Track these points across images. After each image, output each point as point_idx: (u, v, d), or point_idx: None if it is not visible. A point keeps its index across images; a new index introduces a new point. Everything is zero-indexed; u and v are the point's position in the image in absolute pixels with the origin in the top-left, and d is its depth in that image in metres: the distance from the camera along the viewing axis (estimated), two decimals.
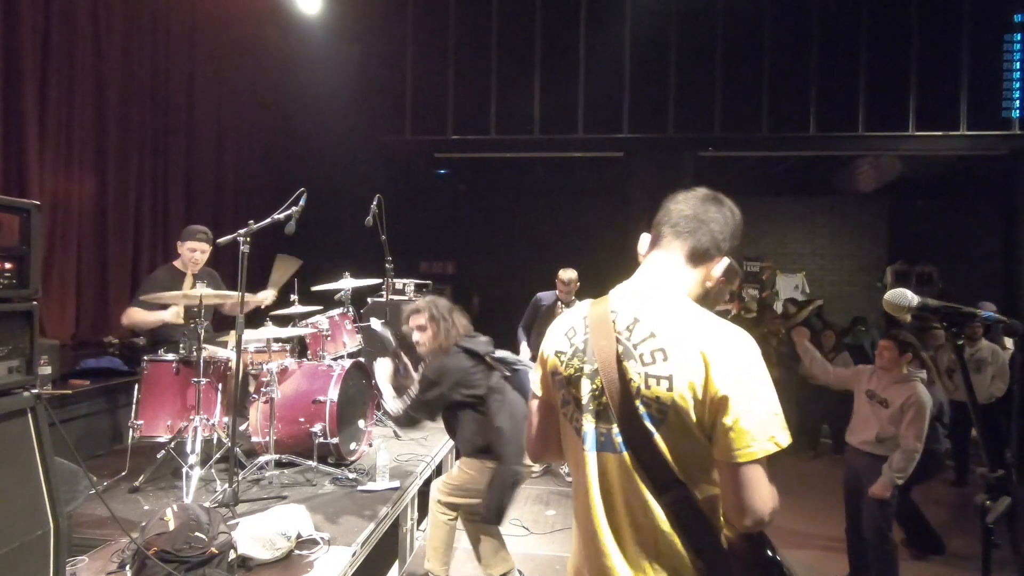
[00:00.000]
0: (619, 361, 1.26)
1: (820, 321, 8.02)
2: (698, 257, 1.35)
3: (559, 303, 5.76)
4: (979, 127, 7.41)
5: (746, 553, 1.25)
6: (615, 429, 1.27)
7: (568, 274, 5.78)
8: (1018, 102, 7.30)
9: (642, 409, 1.22)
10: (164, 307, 4.13)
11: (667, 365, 1.21)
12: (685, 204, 1.38)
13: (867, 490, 3.65)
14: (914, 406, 3.55)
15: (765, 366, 1.21)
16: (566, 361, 1.38)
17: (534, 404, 1.53)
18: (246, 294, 3.62)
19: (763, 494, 1.17)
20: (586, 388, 1.33)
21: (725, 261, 1.37)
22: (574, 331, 1.39)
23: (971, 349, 5.80)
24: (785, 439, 1.18)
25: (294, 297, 4.59)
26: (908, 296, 1.44)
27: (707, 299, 1.38)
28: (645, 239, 1.43)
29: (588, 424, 1.32)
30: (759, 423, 1.15)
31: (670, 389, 1.20)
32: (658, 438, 1.21)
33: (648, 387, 1.22)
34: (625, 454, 1.25)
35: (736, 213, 1.40)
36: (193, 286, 4.17)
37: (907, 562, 4.29)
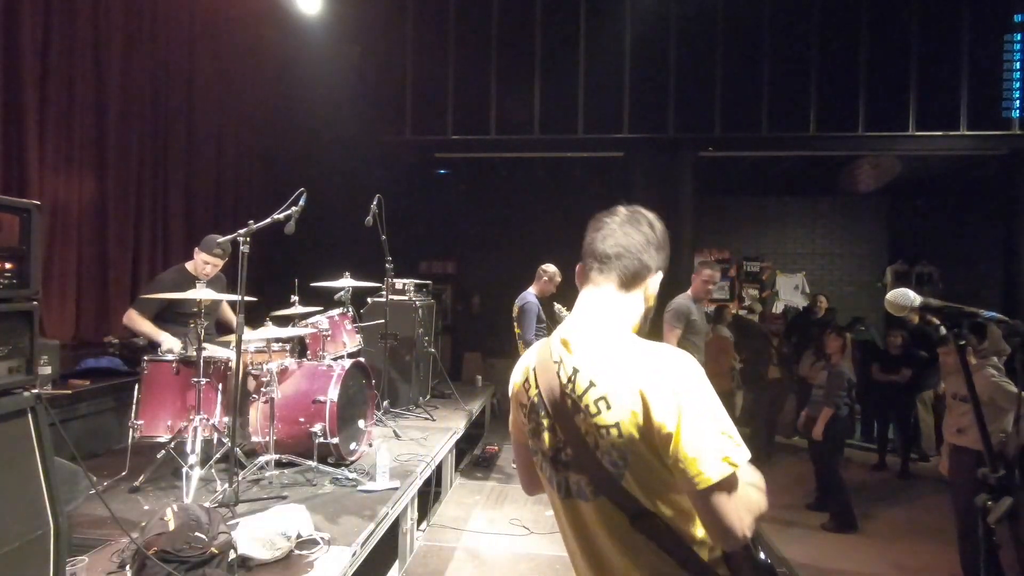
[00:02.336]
0: (570, 416, 1.27)
1: (819, 321, 8.01)
2: (629, 282, 1.35)
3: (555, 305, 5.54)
4: (979, 127, 7.41)
5: (738, 558, 1.25)
6: (585, 479, 1.28)
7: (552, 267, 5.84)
8: (1018, 102, 7.30)
9: (604, 460, 1.23)
10: (170, 311, 4.13)
11: (612, 413, 1.21)
12: (607, 233, 1.38)
13: (956, 479, 3.87)
14: (994, 393, 3.74)
15: (709, 385, 1.20)
16: (527, 414, 1.39)
17: (514, 445, 1.55)
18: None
19: (733, 514, 1.17)
20: (548, 441, 1.34)
21: (659, 275, 1.38)
22: (528, 383, 1.39)
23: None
24: (740, 456, 1.17)
25: (294, 297, 4.59)
26: (911, 296, 1.44)
27: (648, 317, 1.40)
28: (578, 268, 1.44)
29: (559, 475, 1.34)
30: (708, 448, 1.15)
31: (620, 436, 1.20)
32: (626, 481, 1.22)
33: (602, 437, 1.22)
34: (600, 499, 1.27)
35: (657, 225, 1.39)
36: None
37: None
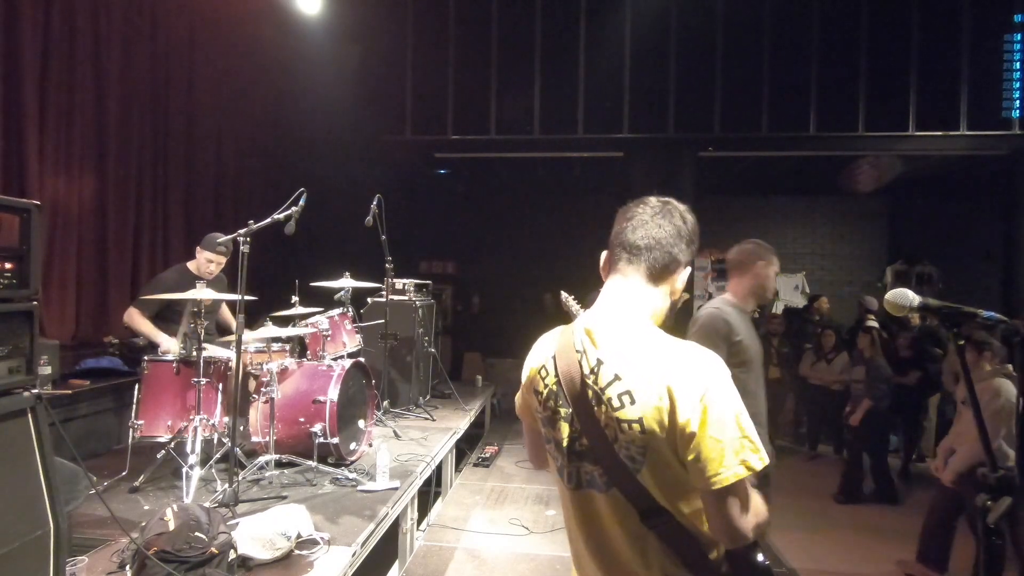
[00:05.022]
0: (590, 406, 1.26)
1: (819, 322, 8.01)
2: (657, 276, 1.33)
3: None
4: (979, 127, 7.41)
5: (739, 558, 1.26)
6: (599, 470, 1.28)
7: None
8: (1018, 102, 7.30)
9: (622, 453, 1.23)
10: (170, 311, 4.13)
11: (635, 408, 1.20)
12: (637, 224, 1.35)
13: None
14: (992, 402, 3.62)
15: (733, 388, 1.21)
16: (543, 402, 1.38)
17: (525, 429, 1.54)
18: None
19: (741, 516, 1.18)
20: (565, 431, 1.33)
21: (688, 269, 1.37)
22: (546, 370, 1.37)
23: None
24: (757, 462, 1.18)
25: (295, 298, 4.60)
26: (909, 296, 1.44)
27: (674, 309, 1.39)
28: (604, 256, 1.42)
29: (572, 465, 1.33)
30: (728, 450, 1.16)
31: (643, 431, 1.20)
32: (642, 475, 1.22)
33: (622, 431, 1.22)
34: (612, 492, 1.27)
35: (689, 219, 1.37)
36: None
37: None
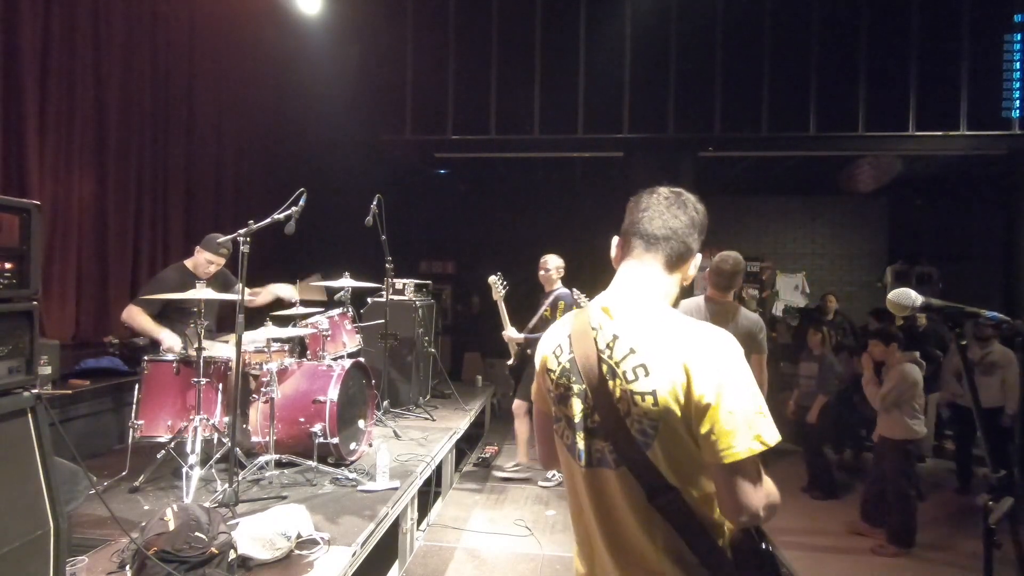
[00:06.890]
0: (604, 380, 1.28)
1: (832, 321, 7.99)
2: (673, 264, 1.38)
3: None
4: (979, 127, 7.40)
5: (743, 544, 1.26)
6: (609, 447, 1.29)
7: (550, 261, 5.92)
8: (1018, 102, 7.29)
9: (634, 427, 1.24)
10: (172, 310, 4.13)
11: (649, 380, 1.22)
12: (654, 214, 1.39)
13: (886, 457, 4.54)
14: (893, 378, 4.51)
15: (747, 366, 1.23)
16: (555, 380, 1.40)
17: (536, 415, 1.55)
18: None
19: (753, 492, 1.18)
20: (577, 407, 1.34)
21: (698, 257, 1.41)
22: (560, 349, 1.40)
23: (982, 351, 5.68)
24: (772, 437, 1.19)
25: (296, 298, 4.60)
26: (912, 295, 1.44)
27: (682, 291, 1.43)
28: (616, 243, 1.46)
29: (582, 442, 1.34)
30: (742, 423, 1.17)
31: (656, 404, 1.21)
32: (653, 451, 1.23)
33: (635, 404, 1.23)
34: (621, 469, 1.27)
35: (700, 209, 1.42)
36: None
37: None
